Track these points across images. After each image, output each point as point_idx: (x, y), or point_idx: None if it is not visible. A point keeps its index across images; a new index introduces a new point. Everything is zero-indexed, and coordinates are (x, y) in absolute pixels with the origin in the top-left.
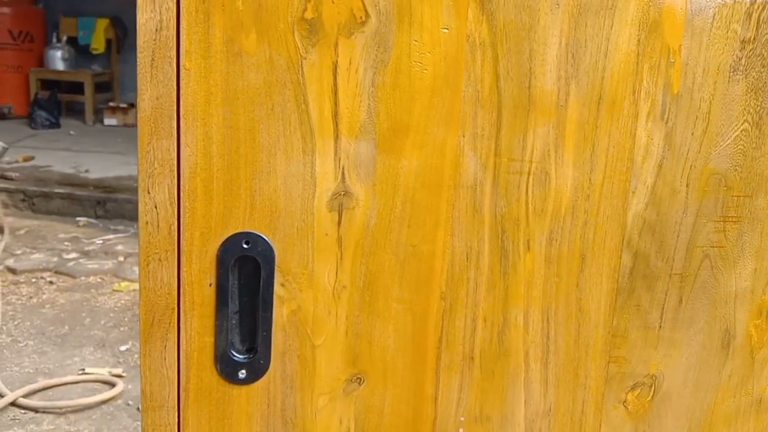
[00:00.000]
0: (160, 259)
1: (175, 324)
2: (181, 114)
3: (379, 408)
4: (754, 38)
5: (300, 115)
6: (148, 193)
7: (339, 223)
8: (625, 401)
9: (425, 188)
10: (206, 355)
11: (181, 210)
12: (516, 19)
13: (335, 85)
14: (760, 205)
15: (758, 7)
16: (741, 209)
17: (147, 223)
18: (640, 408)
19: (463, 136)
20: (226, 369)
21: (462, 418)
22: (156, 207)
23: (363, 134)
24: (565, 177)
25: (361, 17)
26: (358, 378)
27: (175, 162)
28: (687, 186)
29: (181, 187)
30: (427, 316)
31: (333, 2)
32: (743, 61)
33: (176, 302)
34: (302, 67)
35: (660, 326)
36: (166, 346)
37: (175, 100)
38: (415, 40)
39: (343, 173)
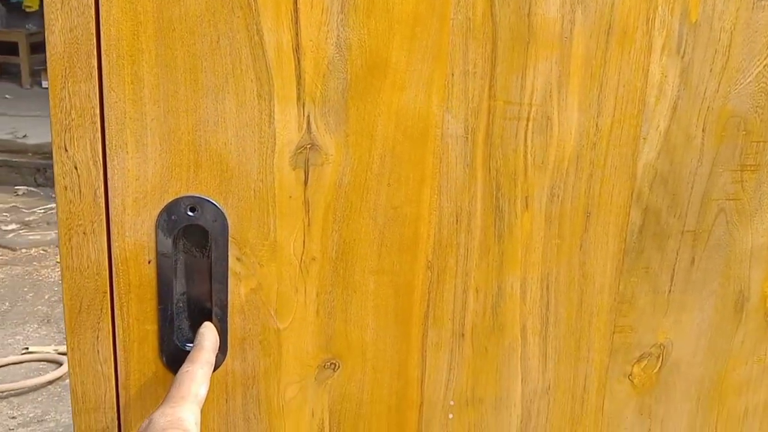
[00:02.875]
0: (84, 233)
1: (108, 310)
2: (102, 50)
3: (357, 396)
4: None
5: (253, 49)
6: (66, 150)
7: (305, 182)
8: (630, 374)
9: (408, 139)
10: (149, 346)
11: (109, 171)
12: None
13: (296, 10)
14: None
15: None
16: (760, 156)
17: (66, 188)
18: (646, 381)
19: (452, 75)
20: (174, 361)
21: (451, 402)
22: (76, 168)
23: (332, 73)
24: (569, 122)
25: None
26: (332, 363)
27: (98, 111)
28: (703, 131)
29: (107, 143)
30: (411, 289)
31: None
32: None
33: (108, 284)
34: None
35: (670, 290)
36: (98, 338)
37: (94, 32)
38: None
39: (308, 122)
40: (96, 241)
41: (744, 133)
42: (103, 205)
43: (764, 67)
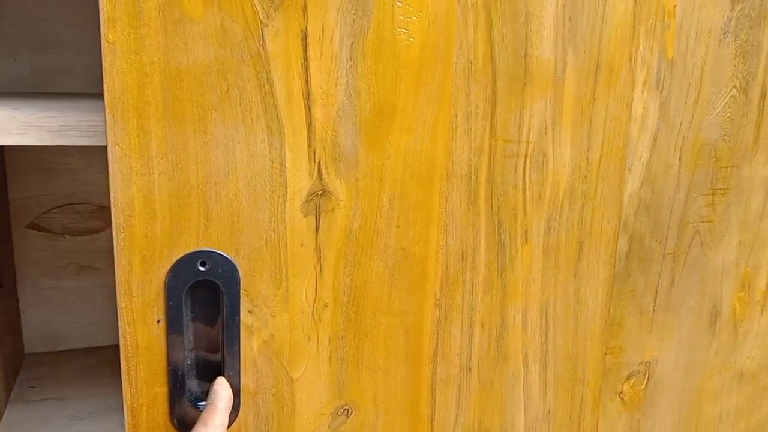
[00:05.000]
0: None
1: None
2: (106, 104)
3: None
4: None
5: (263, 98)
6: None
7: (317, 229)
8: (621, 392)
9: (415, 180)
10: (159, 409)
11: (115, 230)
12: None
13: (306, 58)
14: (745, 175)
15: None
16: (728, 180)
17: None
18: (635, 397)
19: (456, 116)
20: (186, 423)
21: None
22: None
23: (342, 119)
24: (562, 158)
25: None
26: (345, 410)
27: None
28: (680, 160)
29: (113, 200)
30: (420, 328)
31: None
32: (733, 22)
33: None
34: (263, 37)
35: (654, 310)
36: None
37: None
38: (399, 2)
39: (319, 168)
40: None
41: (714, 159)
42: None
43: (730, 98)
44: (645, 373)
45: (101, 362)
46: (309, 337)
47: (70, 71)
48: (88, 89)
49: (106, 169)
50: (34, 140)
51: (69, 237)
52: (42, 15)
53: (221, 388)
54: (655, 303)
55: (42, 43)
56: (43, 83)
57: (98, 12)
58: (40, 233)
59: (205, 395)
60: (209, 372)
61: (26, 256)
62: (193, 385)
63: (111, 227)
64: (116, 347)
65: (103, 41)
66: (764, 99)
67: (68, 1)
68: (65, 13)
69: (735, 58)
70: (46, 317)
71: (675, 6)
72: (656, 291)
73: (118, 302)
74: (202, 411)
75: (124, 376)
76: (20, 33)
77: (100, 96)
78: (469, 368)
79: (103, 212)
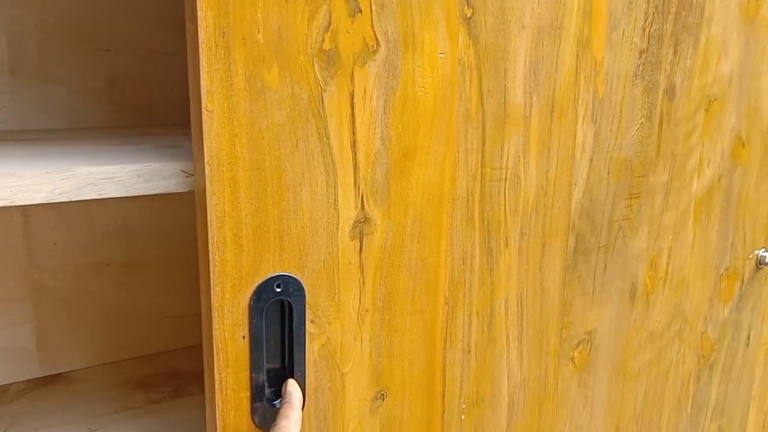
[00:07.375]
0: None
1: None
2: (206, 161)
3: (400, 417)
4: (647, 48)
5: (322, 148)
6: None
7: (360, 249)
8: (573, 358)
9: (430, 205)
10: (243, 411)
11: (211, 263)
12: (494, 42)
13: (353, 114)
14: (651, 182)
15: (649, 24)
16: (640, 187)
17: None
18: (582, 360)
19: (458, 152)
20: (265, 420)
21: (463, 406)
22: None
23: (378, 161)
24: (530, 178)
25: (372, 46)
26: (381, 394)
27: None
28: (608, 173)
29: (210, 240)
30: (434, 322)
31: (348, 32)
32: (641, 67)
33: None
34: (323, 100)
35: (593, 291)
36: None
37: None
38: (419, 66)
39: (362, 201)
40: None
41: (630, 171)
42: None
43: (640, 125)
44: (588, 341)
45: None
46: (355, 338)
47: None
48: None
49: None
50: None
51: None
52: None
53: (293, 388)
54: (594, 285)
55: None
56: None
57: None
58: None
59: (274, 396)
60: (275, 375)
61: None
62: (266, 388)
63: None
64: None
65: (203, 110)
66: (662, 124)
67: None
68: None
69: (642, 94)
70: None
71: (603, 57)
72: (594, 276)
73: (213, 324)
74: (276, 409)
75: (217, 386)
76: None
77: None
78: (469, 351)
79: None
